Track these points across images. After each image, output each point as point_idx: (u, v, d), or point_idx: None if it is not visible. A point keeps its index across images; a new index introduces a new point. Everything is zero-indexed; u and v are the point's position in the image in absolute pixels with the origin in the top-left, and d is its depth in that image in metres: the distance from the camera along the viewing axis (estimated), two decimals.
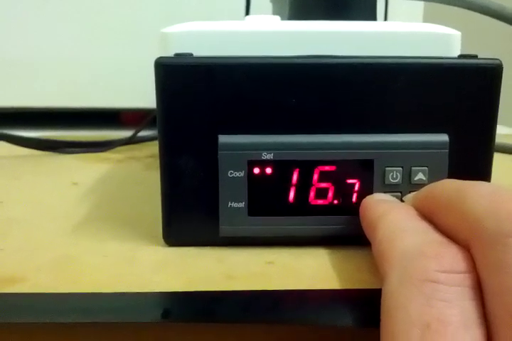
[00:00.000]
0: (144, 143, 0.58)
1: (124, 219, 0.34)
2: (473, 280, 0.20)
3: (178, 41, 0.31)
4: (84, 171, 0.46)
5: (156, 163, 0.29)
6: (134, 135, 0.56)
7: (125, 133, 0.58)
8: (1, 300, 0.24)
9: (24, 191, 0.40)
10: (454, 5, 0.41)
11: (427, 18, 0.63)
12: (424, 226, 0.24)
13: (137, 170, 0.47)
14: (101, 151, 0.54)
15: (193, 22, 0.32)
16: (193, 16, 0.62)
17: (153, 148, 0.56)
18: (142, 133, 0.57)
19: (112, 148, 0.55)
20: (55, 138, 0.54)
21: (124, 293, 0.25)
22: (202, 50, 0.30)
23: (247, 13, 0.55)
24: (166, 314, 0.23)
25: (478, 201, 0.21)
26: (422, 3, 0.63)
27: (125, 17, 0.65)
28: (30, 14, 0.65)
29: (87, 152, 0.53)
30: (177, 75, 0.27)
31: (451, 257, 0.20)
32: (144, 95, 0.64)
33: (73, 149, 0.53)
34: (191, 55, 0.28)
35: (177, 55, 0.28)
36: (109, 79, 0.66)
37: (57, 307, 0.23)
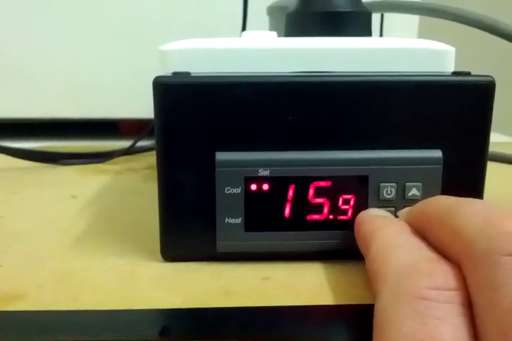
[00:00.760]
0: (142, 154, 0.58)
1: (123, 233, 0.34)
2: (464, 297, 0.20)
3: (176, 58, 0.31)
4: (82, 184, 0.47)
5: (154, 174, 0.30)
6: (133, 145, 0.56)
7: (123, 143, 0.59)
8: (2, 318, 0.24)
9: (24, 205, 0.41)
10: (449, 19, 0.42)
11: (422, 33, 0.63)
12: (417, 242, 0.24)
13: (135, 182, 0.48)
14: (99, 162, 0.54)
15: (191, 39, 0.32)
16: (191, 27, 0.63)
17: (151, 158, 0.56)
18: (140, 144, 0.58)
19: (111, 158, 0.55)
20: (53, 149, 0.55)
21: (123, 310, 0.25)
22: (200, 67, 0.30)
23: (244, 26, 0.55)
24: (164, 331, 0.24)
25: (470, 219, 0.21)
26: (417, 18, 0.63)
27: (125, 29, 0.66)
28: (31, 26, 0.65)
29: (86, 163, 0.54)
30: (175, 94, 0.28)
31: (444, 274, 0.21)
32: (142, 105, 0.64)
33: (72, 161, 0.54)
34: (189, 73, 0.28)
35: (175, 73, 0.28)
36: (107, 89, 0.67)
37: (57, 325, 0.24)
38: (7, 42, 0.65)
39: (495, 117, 0.29)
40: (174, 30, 0.64)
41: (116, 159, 0.55)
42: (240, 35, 0.51)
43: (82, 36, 0.66)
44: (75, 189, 0.45)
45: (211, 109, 0.28)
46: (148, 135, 0.55)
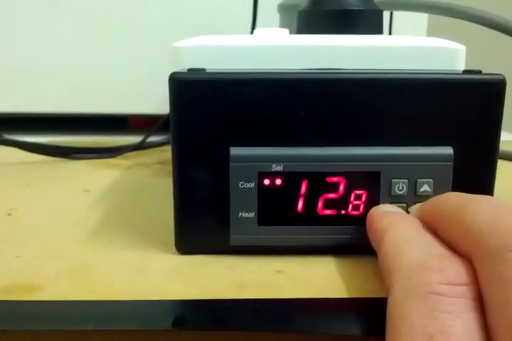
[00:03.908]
0: (153, 149, 0.59)
1: (136, 227, 0.35)
2: (475, 292, 0.20)
3: (190, 55, 0.32)
4: (95, 178, 0.47)
5: (165, 169, 0.30)
6: (143, 140, 0.57)
7: (133, 139, 0.59)
8: (21, 308, 0.25)
9: (37, 198, 0.41)
10: (459, 18, 0.42)
11: (431, 31, 0.64)
12: (428, 238, 0.24)
13: (146, 177, 0.48)
14: (111, 157, 0.55)
15: (205, 36, 0.33)
16: (200, 25, 0.63)
17: (162, 154, 0.57)
18: (151, 139, 0.58)
19: (122, 153, 0.56)
20: (64, 144, 0.55)
21: (138, 300, 0.25)
22: (213, 64, 0.31)
23: (254, 24, 0.56)
24: (178, 322, 0.24)
25: (480, 215, 0.22)
26: (426, 16, 0.64)
27: (134, 26, 0.66)
28: (40, 21, 0.65)
29: (97, 158, 0.54)
30: (190, 90, 0.28)
31: (454, 270, 0.21)
32: (152, 101, 0.65)
33: (84, 155, 0.54)
34: (204, 70, 0.29)
35: (190, 70, 0.29)
36: (118, 84, 0.67)
37: (74, 315, 0.24)
38: (20, 38, 0.66)
39: (503, 116, 0.29)
40: (183, 28, 0.65)
41: (127, 154, 0.56)
42: (251, 33, 0.51)
43: (92, 33, 0.66)
44: (88, 183, 0.45)
45: (226, 104, 0.28)
46: (159, 130, 0.56)
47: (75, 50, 0.67)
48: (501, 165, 0.31)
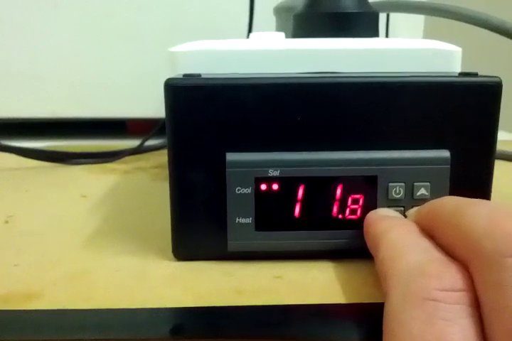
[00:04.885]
0: (151, 153, 0.59)
1: (134, 232, 0.35)
2: (472, 298, 0.20)
3: (186, 60, 0.32)
4: (92, 183, 0.47)
5: (162, 173, 0.30)
6: (141, 144, 0.57)
7: (131, 143, 0.59)
8: (18, 317, 0.25)
9: (34, 204, 0.41)
10: (455, 19, 0.42)
11: (428, 34, 0.64)
12: (425, 243, 0.24)
13: (144, 181, 0.48)
14: (108, 162, 0.55)
15: (201, 41, 0.33)
16: (197, 28, 0.63)
17: (160, 158, 0.57)
18: (149, 143, 0.58)
19: (119, 158, 0.55)
20: (61, 149, 0.55)
21: (136, 309, 0.25)
22: (209, 69, 0.31)
23: (250, 27, 0.56)
24: (176, 329, 0.24)
25: (475, 220, 0.22)
26: (423, 18, 0.64)
27: (132, 30, 0.66)
28: (38, 26, 0.65)
29: (95, 163, 0.54)
30: (186, 96, 0.28)
31: (452, 276, 0.21)
32: (150, 105, 0.65)
33: (81, 160, 0.54)
34: (199, 75, 0.29)
35: (186, 75, 0.29)
36: (115, 88, 0.67)
37: (70, 324, 0.24)
38: (17, 42, 0.66)
39: (501, 115, 0.29)
40: (181, 31, 0.65)
41: (125, 158, 0.56)
42: (247, 36, 0.51)
43: (90, 37, 0.66)
44: (85, 188, 0.45)
45: (221, 110, 0.28)
46: (157, 134, 0.56)
47: (72, 54, 0.67)
48: (502, 166, 0.31)
